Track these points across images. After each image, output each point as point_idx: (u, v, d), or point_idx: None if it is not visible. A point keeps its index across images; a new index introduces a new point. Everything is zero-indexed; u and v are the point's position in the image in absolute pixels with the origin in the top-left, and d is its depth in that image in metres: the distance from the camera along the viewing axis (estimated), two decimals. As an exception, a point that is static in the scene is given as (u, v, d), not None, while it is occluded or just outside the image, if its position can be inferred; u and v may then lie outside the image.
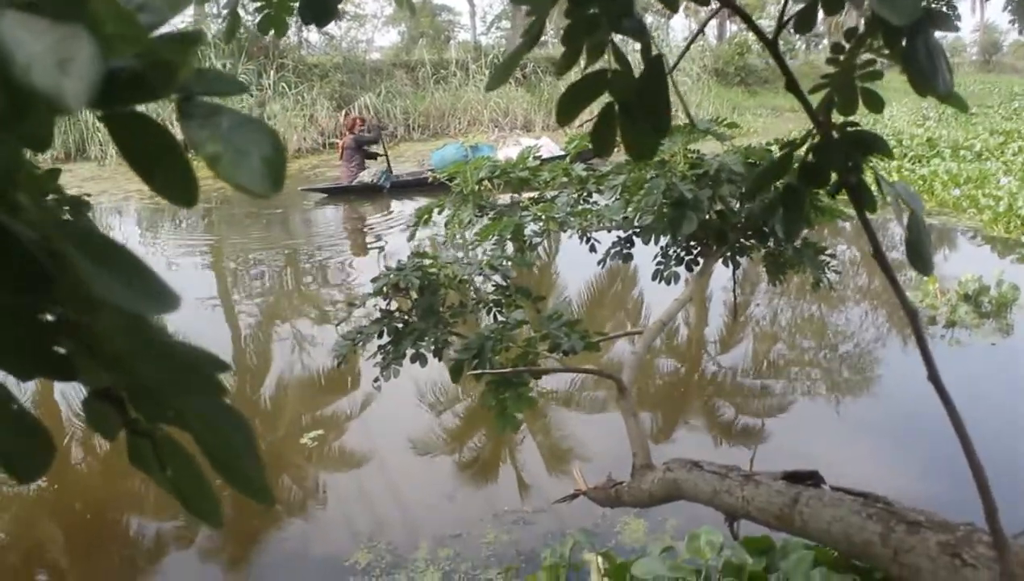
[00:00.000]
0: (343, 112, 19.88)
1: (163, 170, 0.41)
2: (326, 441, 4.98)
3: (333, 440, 5.02)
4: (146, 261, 0.39)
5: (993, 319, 6.70)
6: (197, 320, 7.30)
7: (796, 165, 0.87)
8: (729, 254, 3.05)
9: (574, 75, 0.80)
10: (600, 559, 3.46)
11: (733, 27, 36.01)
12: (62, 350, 0.42)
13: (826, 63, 0.89)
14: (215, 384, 0.44)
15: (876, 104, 0.90)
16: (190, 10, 14.79)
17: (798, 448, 4.78)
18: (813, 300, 7.49)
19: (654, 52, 0.73)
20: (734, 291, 3.75)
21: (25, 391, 5.73)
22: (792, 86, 0.83)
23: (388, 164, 13.98)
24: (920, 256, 0.79)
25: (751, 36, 29.20)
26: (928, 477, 4.20)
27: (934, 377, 0.83)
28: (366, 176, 13.71)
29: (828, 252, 3.17)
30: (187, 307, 7.56)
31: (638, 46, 0.72)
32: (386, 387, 5.33)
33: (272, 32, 1.85)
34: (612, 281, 8.22)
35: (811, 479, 1.22)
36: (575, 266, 8.39)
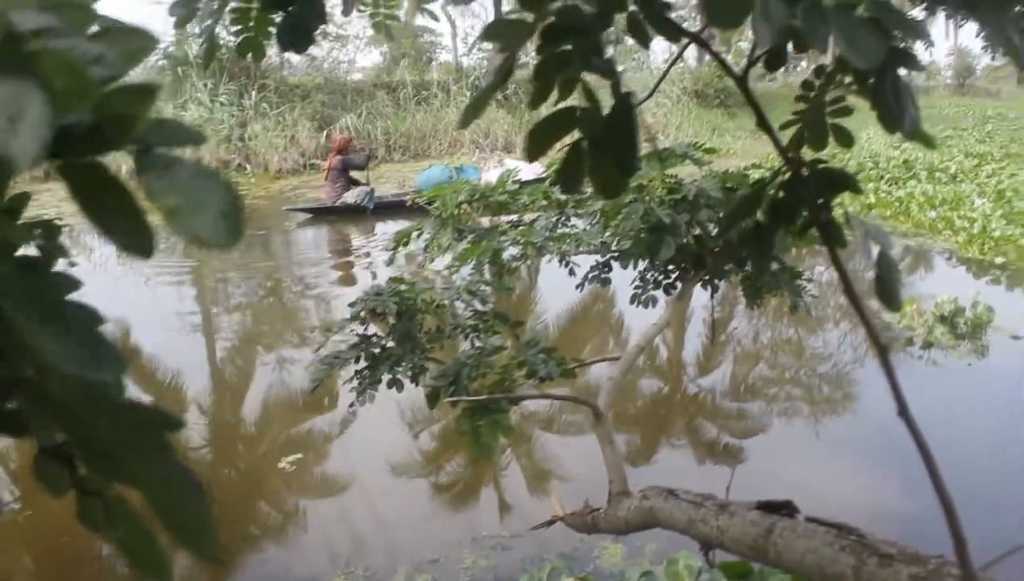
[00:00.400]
0: (325, 133, 19.86)
1: (119, 222, 0.40)
2: (304, 465, 4.94)
3: (311, 464, 4.97)
4: (97, 317, 0.39)
5: (969, 340, 6.76)
6: (174, 344, 7.25)
7: (766, 203, 0.88)
8: (707, 278, 3.06)
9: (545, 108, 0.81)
10: (579, 584, 3.46)
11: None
12: (11, 406, 0.42)
13: (795, 100, 0.90)
14: (165, 445, 0.44)
15: (846, 140, 0.91)
16: (170, 31, 14.75)
17: (776, 469, 4.79)
18: (792, 322, 7.53)
19: (623, 90, 0.73)
20: (712, 313, 3.75)
21: None
22: (762, 123, 0.83)
23: (369, 186, 13.93)
24: (889, 292, 0.79)
25: (729, 58, 29.52)
26: (906, 495, 4.22)
27: (904, 413, 0.84)
28: (349, 197, 13.60)
29: (805, 277, 3.19)
30: (166, 330, 7.53)
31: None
32: (365, 410, 5.30)
33: (250, 55, 1.84)
34: (592, 304, 8.22)
35: (785, 509, 1.22)
36: (555, 290, 8.39)
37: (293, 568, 3.97)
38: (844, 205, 10.17)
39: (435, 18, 2.45)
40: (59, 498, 0.45)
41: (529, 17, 0.69)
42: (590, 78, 0.75)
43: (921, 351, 6.60)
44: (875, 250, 0.79)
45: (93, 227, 0.40)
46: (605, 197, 0.78)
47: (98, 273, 10.06)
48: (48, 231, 1.40)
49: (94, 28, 0.40)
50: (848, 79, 0.83)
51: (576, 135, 0.76)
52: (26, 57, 0.33)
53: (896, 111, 0.71)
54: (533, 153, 0.75)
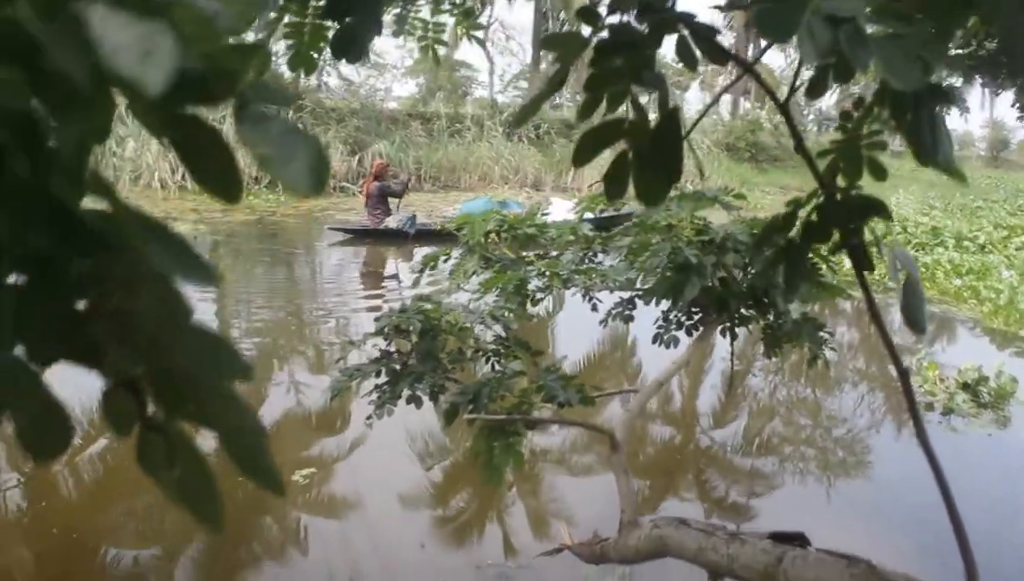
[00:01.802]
0: (357, 157, 20.09)
1: (213, 170, 0.44)
2: (314, 484, 4.95)
3: (322, 484, 4.97)
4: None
5: (991, 410, 6.70)
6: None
7: (800, 224, 0.91)
8: (728, 325, 3.08)
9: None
10: (580, 620, 3.44)
11: (746, 104, 36.56)
12: (90, 337, 0.45)
13: (835, 130, 0.93)
14: (244, 364, 0.47)
15: (879, 173, 0.95)
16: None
17: (783, 527, 4.74)
18: (809, 382, 7.50)
19: (671, 105, 0.77)
20: (731, 361, 3.76)
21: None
22: (800, 148, 0.86)
23: (412, 211, 13.97)
24: (914, 317, 0.82)
25: (763, 113, 29.64)
26: (920, 559, 4.17)
27: (922, 438, 0.86)
28: (392, 221, 13.63)
29: (826, 329, 3.20)
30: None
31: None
32: (376, 441, 5.31)
33: (301, 71, 1.89)
34: (613, 348, 8.23)
35: (797, 540, 1.23)
36: (575, 335, 8.42)
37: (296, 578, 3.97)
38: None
39: (482, 44, 2.51)
40: (124, 436, 0.48)
41: (586, 31, 0.73)
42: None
43: (941, 417, 6.54)
44: (902, 276, 0.82)
45: (191, 174, 0.44)
46: (648, 205, 0.81)
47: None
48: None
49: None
50: (886, 113, 0.86)
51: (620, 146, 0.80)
52: (160, 5, 0.37)
53: (931, 143, 0.74)
54: (580, 159, 0.79)
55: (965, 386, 6.91)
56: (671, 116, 0.76)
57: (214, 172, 0.44)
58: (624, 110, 0.77)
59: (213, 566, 4.10)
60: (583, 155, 0.78)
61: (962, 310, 10.55)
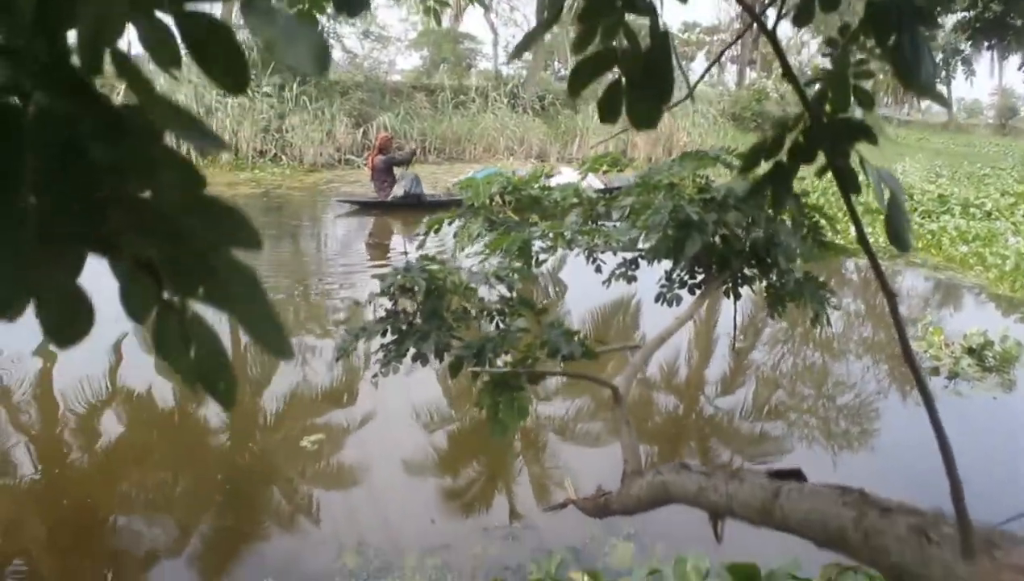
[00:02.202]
0: (361, 129, 20.05)
1: (220, 61, 0.46)
2: (322, 453, 5.00)
3: (330, 453, 5.01)
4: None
5: (996, 374, 6.73)
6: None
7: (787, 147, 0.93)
8: (731, 284, 3.10)
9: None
10: (586, 578, 3.48)
11: (752, 75, 36.35)
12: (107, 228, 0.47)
13: (821, 56, 0.95)
14: (253, 233, 0.50)
15: (867, 101, 0.97)
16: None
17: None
18: (816, 348, 7.53)
19: (661, 30, 0.79)
20: (734, 321, 3.78)
21: (25, 378, 5.79)
22: (788, 74, 0.88)
23: (412, 173, 13.91)
24: (898, 234, 0.84)
25: (769, 83, 29.48)
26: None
27: (909, 359, 0.88)
28: (398, 190, 13.59)
29: (828, 289, 3.22)
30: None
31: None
32: (384, 409, 5.34)
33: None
34: (615, 312, 8.26)
35: (795, 476, 1.26)
36: (579, 303, 8.47)
37: (306, 545, 4.02)
38: (876, 234, 10.15)
39: (485, 6, 2.51)
40: (141, 323, 0.50)
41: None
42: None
43: (946, 381, 6.58)
44: (887, 194, 0.84)
45: (199, 66, 0.46)
46: (640, 128, 0.83)
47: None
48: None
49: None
50: (871, 43, 0.88)
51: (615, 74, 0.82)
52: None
53: (913, 64, 0.76)
54: (575, 88, 0.81)
55: (970, 351, 6.94)
56: (662, 41, 0.78)
57: (220, 63, 0.46)
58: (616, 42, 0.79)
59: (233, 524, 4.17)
60: (579, 83, 0.80)
61: (968, 276, 10.55)
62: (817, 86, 0.96)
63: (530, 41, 0.84)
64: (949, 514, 0.92)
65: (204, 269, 0.48)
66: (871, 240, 0.94)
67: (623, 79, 0.82)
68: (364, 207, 13.71)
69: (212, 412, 5.38)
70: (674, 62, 0.79)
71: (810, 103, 0.90)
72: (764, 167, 1.01)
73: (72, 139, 0.43)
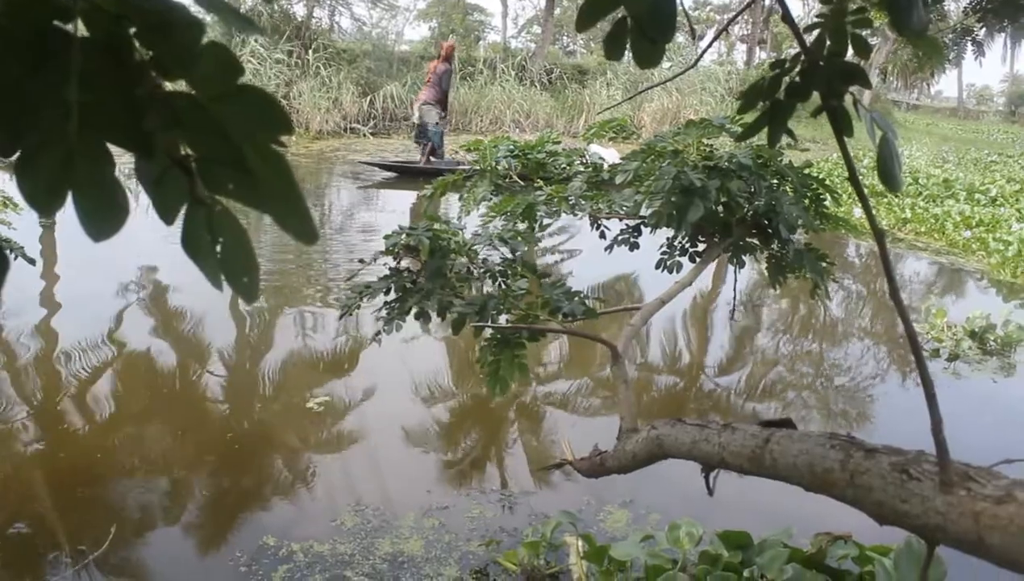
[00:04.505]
0: (368, 99, 20.02)
1: None
2: (329, 413, 5.04)
3: (333, 418, 5.05)
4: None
5: (997, 357, 6.78)
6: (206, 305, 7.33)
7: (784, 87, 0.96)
8: (733, 254, 3.13)
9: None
10: (580, 541, 3.54)
11: (762, 55, 36.16)
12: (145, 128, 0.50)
13: (822, 2, 0.98)
14: (285, 118, 0.53)
15: (863, 49, 0.99)
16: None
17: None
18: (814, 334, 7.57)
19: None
20: (734, 290, 3.81)
21: (28, 351, 5.83)
22: (787, 18, 0.91)
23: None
24: (890, 174, 0.87)
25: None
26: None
27: (894, 294, 0.92)
28: (436, 132, 13.41)
29: (829, 260, 3.24)
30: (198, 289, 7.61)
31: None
32: (384, 378, 5.39)
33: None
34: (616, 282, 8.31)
35: (785, 425, 1.29)
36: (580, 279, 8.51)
37: (305, 504, 4.08)
38: (880, 217, 10.15)
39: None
40: (170, 223, 0.53)
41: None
42: None
43: (947, 363, 6.62)
44: (879, 135, 0.87)
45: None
46: (643, 67, 0.86)
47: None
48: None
49: None
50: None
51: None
52: None
53: (906, 9, 0.78)
54: (584, 24, 0.83)
55: (972, 334, 6.98)
56: (667, -19, 0.81)
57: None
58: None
59: (235, 479, 4.23)
60: (587, 20, 0.83)
61: (970, 261, 10.57)
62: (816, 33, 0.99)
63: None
64: (932, 454, 0.96)
65: (236, 161, 0.51)
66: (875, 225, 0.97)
67: (628, 18, 0.85)
68: (395, 173, 13.58)
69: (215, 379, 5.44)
70: (678, 5, 0.82)
71: (807, 45, 0.93)
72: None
73: (118, 34, 0.46)
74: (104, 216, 0.52)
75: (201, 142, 0.51)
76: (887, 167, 0.86)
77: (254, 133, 0.51)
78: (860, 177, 0.97)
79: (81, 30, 0.46)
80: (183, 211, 0.53)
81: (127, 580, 3.48)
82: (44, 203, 0.49)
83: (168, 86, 0.49)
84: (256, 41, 18.32)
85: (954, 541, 0.91)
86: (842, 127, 0.90)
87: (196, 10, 0.48)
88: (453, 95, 21.54)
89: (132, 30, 0.47)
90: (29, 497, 4.02)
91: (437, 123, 13.60)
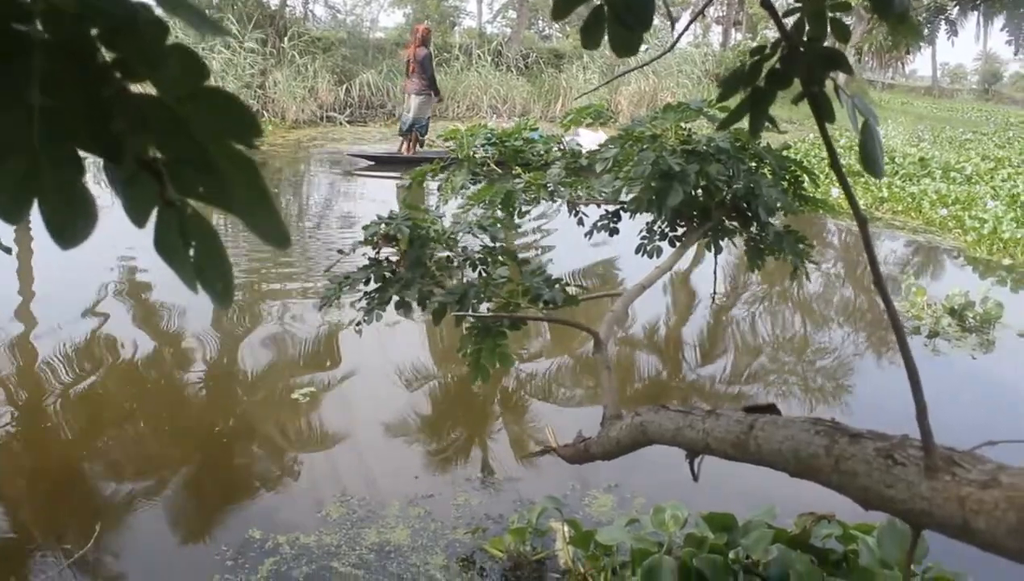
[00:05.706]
0: (344, 87, 19.87)
1: None
2: (314, 404, 5.02)
3: (317, 409, 5.02)
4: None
5: (976, 334, 6.84)
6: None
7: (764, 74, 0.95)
8: (711, 237, 3.13)
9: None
10: (566, 527, 3.54)
11: (738, 36, 36.21)
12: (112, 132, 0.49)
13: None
14: (253, 120, 0.51)
15: (843, 33, 0.99)
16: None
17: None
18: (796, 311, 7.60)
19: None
20: (715, 274, 3.82)
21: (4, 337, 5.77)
22: (766, 2, 0.90)
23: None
24: (872, 159, 0.87)
25: (754, 45, 29.35)
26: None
27: (878, 282, 0.91)
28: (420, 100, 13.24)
29: (808, 242, 3.25)
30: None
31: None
32: (366, 368, 5.37)
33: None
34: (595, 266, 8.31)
35: (769, 411, 1.29)
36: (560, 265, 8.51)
37: (290, 494, 4.06)
38: (857, 197, 10.20)
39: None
40: (141, 227, 0.52)
41: None
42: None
43: (926, 340, 6.68)
44: (860, 121, 0.86)
45: None
46: (621, 55, 0.85)
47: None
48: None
49: None
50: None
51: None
52: None
53: (888, -8, 0.78)
54: (559, 13, 0.82)
55: (952, 311, 7.05)
56: (645, -33, 0.80)
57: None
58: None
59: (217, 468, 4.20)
60: (563, 8, 0.82)
61: (946, 239, 10.66)
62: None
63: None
64: (916, 439, 0.96)
65: (205, 164, 0.50)
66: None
67: (605, 6, 0.84)
68: (381, 164, 13.43)
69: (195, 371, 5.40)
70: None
71: (787, 31, 0.92)
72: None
73: (80, 36, 0.45)
74: (72, 224, 0.50)
75: (170, 144, 0.49)
76: (870, 153, 0.85)
77: (222, 135, 0.50)
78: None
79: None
80: (155, 214, 0.52)
81: (113, 578, 3.45)
82: (8, 212, 0.47)
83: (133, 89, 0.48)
84: (229, 32, 18.07)
85: (939, 526, 0.91)
86: (824, 114, 0.89)
87: (160, 12, 0.47)
88: (434, 80, 21.50)
89: (94, 31, 0.46)
90: (10, 496, 3.98)
91: (430, 117, 13.48)
